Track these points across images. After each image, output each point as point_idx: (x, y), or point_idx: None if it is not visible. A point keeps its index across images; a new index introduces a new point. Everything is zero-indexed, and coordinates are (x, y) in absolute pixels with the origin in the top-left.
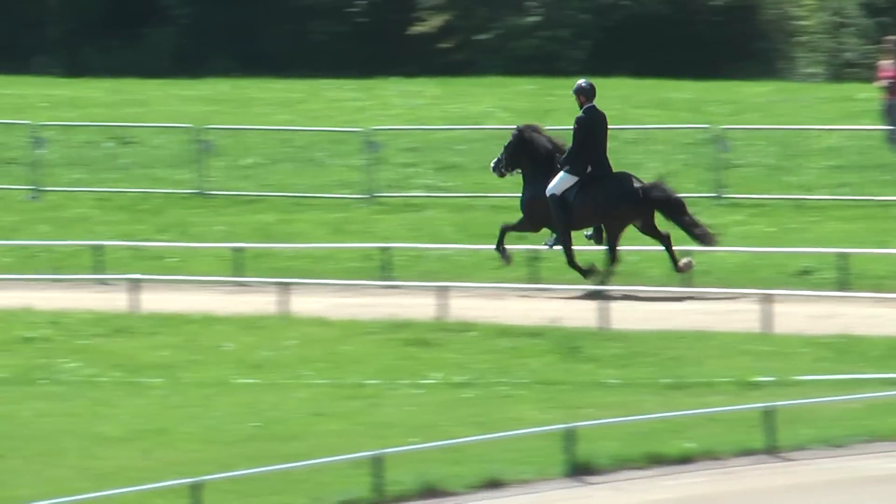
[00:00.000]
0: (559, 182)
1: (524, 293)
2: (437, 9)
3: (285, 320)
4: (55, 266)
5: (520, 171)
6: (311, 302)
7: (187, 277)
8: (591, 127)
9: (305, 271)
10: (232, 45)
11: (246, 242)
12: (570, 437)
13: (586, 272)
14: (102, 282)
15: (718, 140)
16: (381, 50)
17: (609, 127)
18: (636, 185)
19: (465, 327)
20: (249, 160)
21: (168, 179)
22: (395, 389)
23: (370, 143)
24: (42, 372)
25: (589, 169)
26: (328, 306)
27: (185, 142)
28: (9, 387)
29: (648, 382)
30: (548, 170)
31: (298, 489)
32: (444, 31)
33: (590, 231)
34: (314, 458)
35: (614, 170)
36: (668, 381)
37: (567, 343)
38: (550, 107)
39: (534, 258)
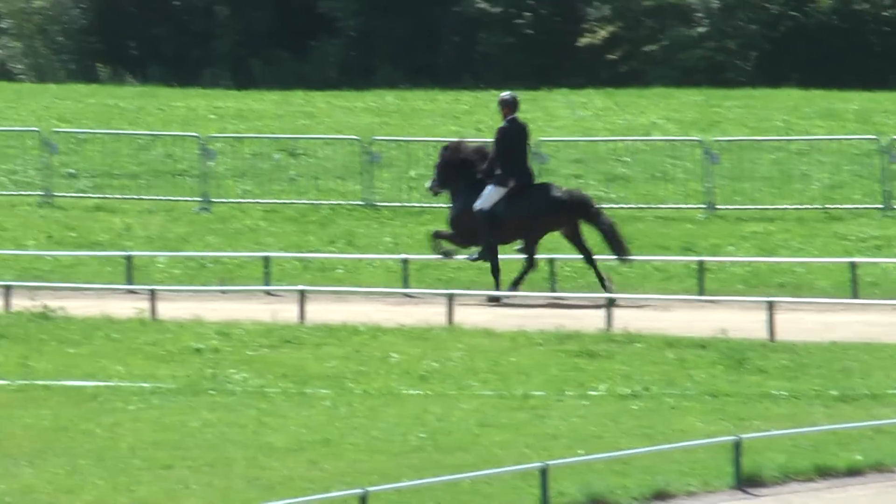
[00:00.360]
0: (488, 196)
1: (690, 304)
2: (604, 20)
3: (452, 331)
4: (224, 277)
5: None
6: (477, 313)
7: (354, 289)
8: (513, 138)
9: (472, 282)
10: (399, 56)
11: (412, 254)
12: (737, 448)
13: (511, 284)
14: (270, 293)
15: (887, 151)
16: (547, 61)
17: (777, 138)
18: (557, 193)
19: (631, 338)
20: (416, 171)
21: (335, 191)
22: (561, 401)
23: (537, 155)
24: (211, 382)
25: (512, 181)
26: (495, 317)
27: (352, 153)
28: (178, 397)
29: (816, 394)
30: (475, 185)
31: (464, 500)
32: (610, 43)
33: (520, 245)
34: (480, 470)
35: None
36: (836, 392)
37: (734, 354)
38: (717, 118)
39: (699, 269)
